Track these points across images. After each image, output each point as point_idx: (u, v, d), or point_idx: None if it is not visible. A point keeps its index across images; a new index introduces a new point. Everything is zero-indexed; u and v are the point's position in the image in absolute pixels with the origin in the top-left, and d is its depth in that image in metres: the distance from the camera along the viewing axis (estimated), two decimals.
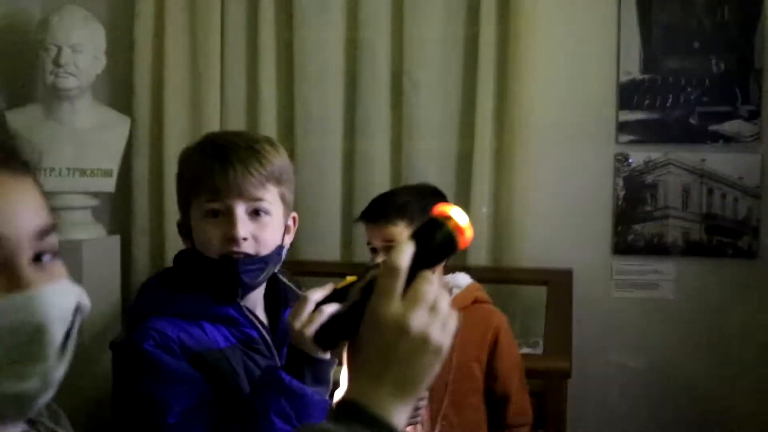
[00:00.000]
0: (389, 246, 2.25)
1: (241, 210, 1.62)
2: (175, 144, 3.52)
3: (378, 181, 3.51)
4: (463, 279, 2.62)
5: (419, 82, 3.52)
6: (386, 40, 3.53)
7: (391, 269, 1.00)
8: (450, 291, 2.51)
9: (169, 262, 3.34)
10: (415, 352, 0.98)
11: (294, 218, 1.75)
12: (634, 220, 3.53)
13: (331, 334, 1.23)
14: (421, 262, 1.01)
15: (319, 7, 3.55)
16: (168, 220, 3.52)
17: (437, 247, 1.04)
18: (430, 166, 3.52)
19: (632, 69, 3.49)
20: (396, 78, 3.55)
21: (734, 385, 3.44)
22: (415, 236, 1.04)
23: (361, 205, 3.54)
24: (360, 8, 3.54)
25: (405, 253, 1.01)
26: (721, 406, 3.43)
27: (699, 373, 3.47)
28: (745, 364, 3.44)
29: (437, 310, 0.99)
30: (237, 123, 3.63)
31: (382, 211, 2.39)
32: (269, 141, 1.72)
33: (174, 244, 3.17)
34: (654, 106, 3.48)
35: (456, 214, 1.05)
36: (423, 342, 0.98)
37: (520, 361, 2.61)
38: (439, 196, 2.47)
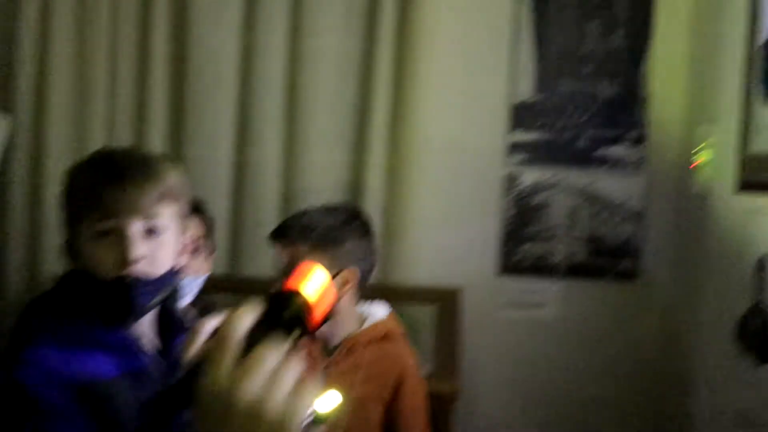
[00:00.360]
0: (293, 266, 2.17)
1: (135, 229, 1.53)
2: (58, 147, 3.35)
3: (269, 193, 3.46)
4: (379, 310, 2.49)
5: (314, 93, 3.47)
6: (282, 51, 3.47)
7: (220, 340, 0.88)
8: (363, 323, 2.44)
9: (45, 275, 3.19)
10: (246, 431, 0.85)
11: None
12: (521, 240, 3.56)
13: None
14: (270, 331, 0.90)
15: (215, 13, 3.46)
16: (46, 231, 3.28)
17: (284, 322, 0.93)
18: (322, 179, 3.48)
19: (525, 90, 3.52)
20: (291, 89, 3.49)
21: (616, 405, 3.50)
22: (268, 301, 0.93)
23: (250, 217, 3.49)
24: (256, 17, 3.46)
25: (240, 322, 0.89)
26: (605, 426, 3.49)
27: (583, 393, 3.51)
28: (624, 384, 3.51)
29: (279, 378, 0.86)
30: (125, 128, 3.49)
31: (284, 230, 2.33)
32: (165, 157, 1.66)
33: (51, 256, 3.01)
34: (545, 127, 3.52)
35: (310, 288, 0.95)
36: (254, 418, 0.84)
37: (425, 403, 2.48)
38: (355, 220, 2.40)
